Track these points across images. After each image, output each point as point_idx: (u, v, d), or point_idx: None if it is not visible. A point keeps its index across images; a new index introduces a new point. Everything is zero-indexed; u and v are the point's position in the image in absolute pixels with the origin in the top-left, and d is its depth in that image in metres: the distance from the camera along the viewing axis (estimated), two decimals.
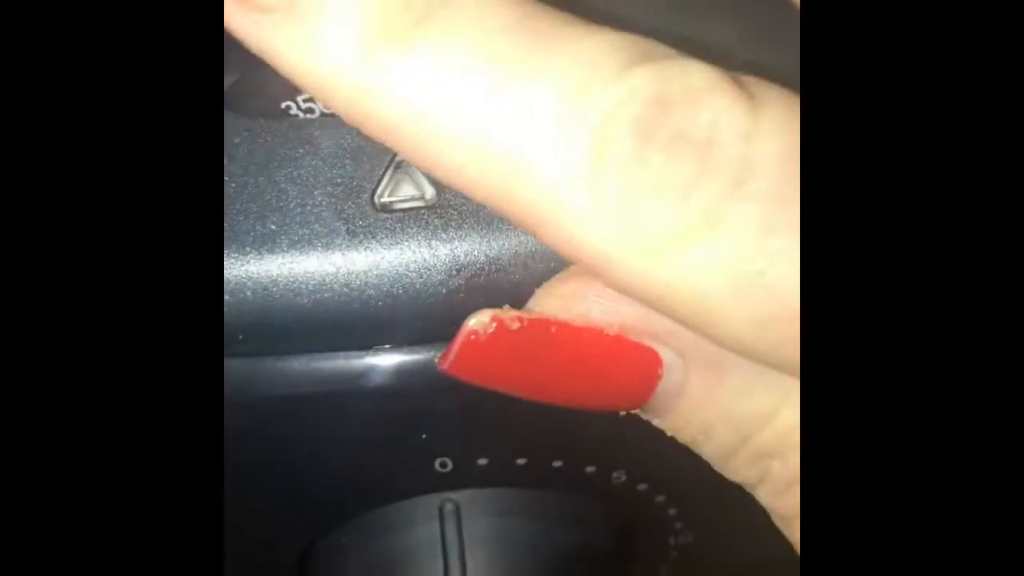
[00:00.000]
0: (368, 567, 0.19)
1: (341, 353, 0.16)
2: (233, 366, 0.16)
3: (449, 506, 0.19)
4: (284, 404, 0.17)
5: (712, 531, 0.22)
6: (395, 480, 0.19)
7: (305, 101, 0.16)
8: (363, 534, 0.19)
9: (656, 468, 0.20)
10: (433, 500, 0.19)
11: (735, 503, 0.22)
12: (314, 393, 0.17)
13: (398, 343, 0.16)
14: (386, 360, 0.16)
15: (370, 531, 0.19)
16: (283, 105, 0.16)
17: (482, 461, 0.18)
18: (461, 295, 0.16)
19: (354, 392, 0.17)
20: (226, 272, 0.15)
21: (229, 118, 0.16)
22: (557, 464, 0.19)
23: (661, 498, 0.20)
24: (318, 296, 0.16)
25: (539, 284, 0.16)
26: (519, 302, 0.16)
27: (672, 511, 0.21)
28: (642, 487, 0.20)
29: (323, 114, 0.16)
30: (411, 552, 0.19)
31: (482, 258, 0.16)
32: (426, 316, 0.16)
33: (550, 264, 0.16)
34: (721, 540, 0.23)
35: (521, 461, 0.18)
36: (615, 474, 0.19)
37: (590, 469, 0.19)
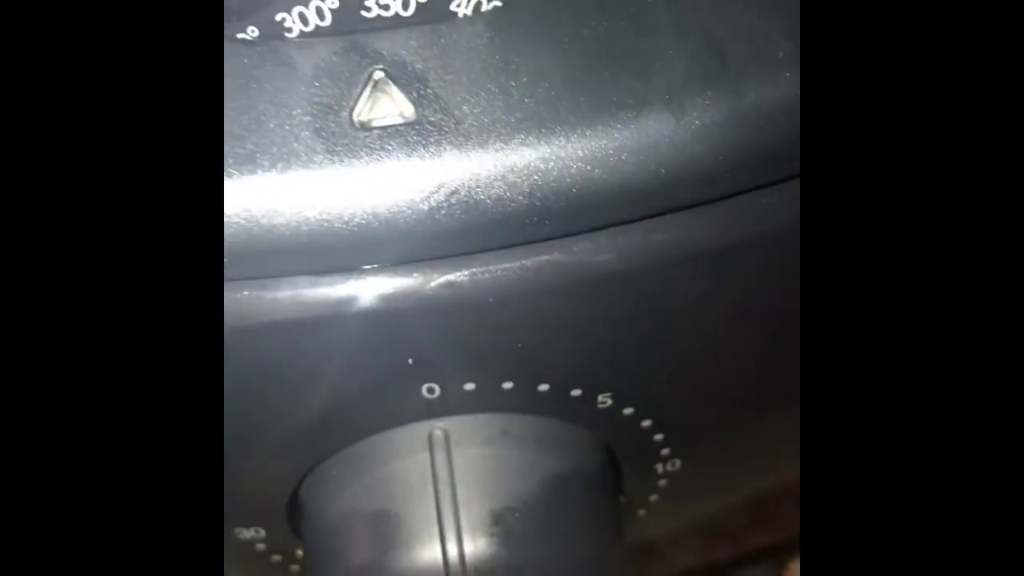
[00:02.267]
0: (359, 498, 0.19)
1: (324, 276, 0.16)
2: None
3: (438, 433, 0.19)
4: (267, 331, 0.17)
5: (700, 458, 0.22)
6: (383, 408, 0.19)
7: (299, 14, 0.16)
8: (353, 465, 0.19)
9: (642, 392, 0.20)
10: (422, 428, 0.19)
11: (722, 429, 0.22)
12: (297, 318, 0.17)
13: (381, 263, 0.16)
14: (370, 281, 0.16)
15: (360, 462, 0.19)
16: (277, 18, 0.16)
17: (469, 386, 0.18)
18: (442, 212, 0.16)
19: (339, 316, 0.17)
20: None
21: None
22: (543, 388, 0.19)
23: (647, 423, 0.20)
24: (299, 217, 0.16)
25: (520, 200, 0.16)
26: (499, 219, 0.16)
27: (659, 436, 0.21)
28: (628, 411, 0.20)
29: (301, 33, 0.16)
30: (402, 481, 0.19)
31: (463, 174, 0.16)
32: (409, 235, 0.16)
33: (532, 178, 0.16)
34: (709, 468, 0.23)
35: (507, 385, 0.18)
36: (600, 397, 0.19)
37: (575, 392, 0.19)
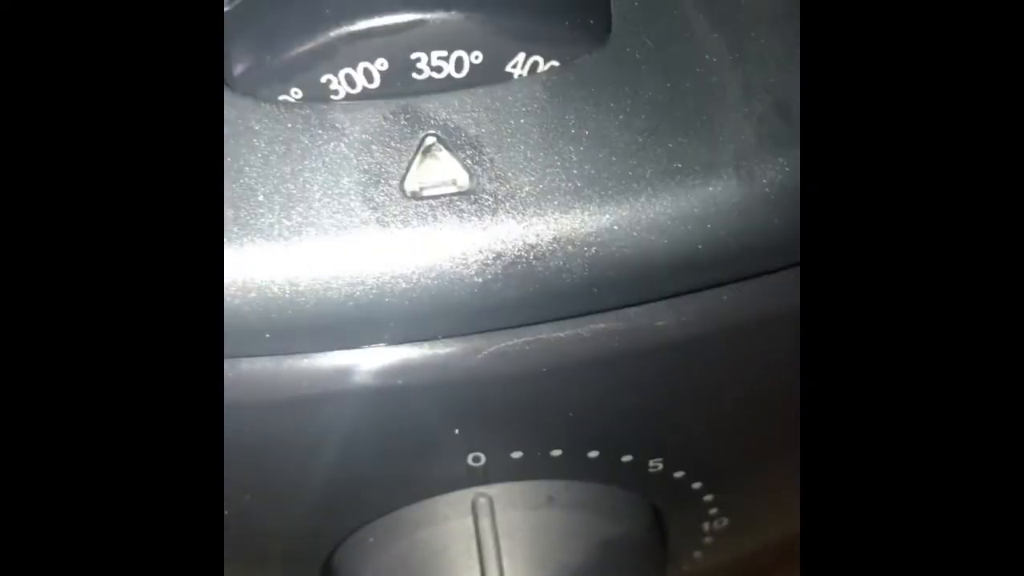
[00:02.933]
0: (400, 566, 0.18)
1: (375, 348, 0.16)
2: (262, 365, 0.15)
3: (482, 500, 0.18)
4: (318, 402, 0.16)
5: (746, 515, 0.22)
6: (427, 476, 0.18)
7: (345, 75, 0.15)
8: (393, 532, 0.19)
9: (694, 456, 0.19)
10: (466, 495, 0.18)
11: (766, 489, 0.22)
12: (347, 390, 0.16)
13: (432, 336, 0.15)
14: (421, 354, 0.16)
15: (401, 528, 0.18)
16: (323, 80, 0.15)
17: (516, 455, 0.18)
18: (498, 284, 0.15)
19: (389, 388, 0.16)
20: (252, 269, 0.15)
21: (248, 103, 0.15)
22: (593, 455, 0.18)
23: (698, 485, 0.20)
24: (348, 289, 0.15)
25: (580, 272, 0.15)
26: (556, 291, 0.15)
27: (708, 497, 0.20)
28: (679, 474, 0.19)
29: (348, 95, 0.15)
30: (445, 548, 0.18)
31: (519, 245, 0.15)
32: (462, 307, 0.15)
33: (592, 249, 0.15)
34: (754, 523, 0.22)
35: (556, 453, 0.18)
36: (652, 462, 0.19)
37: (627, 458, 0.18)
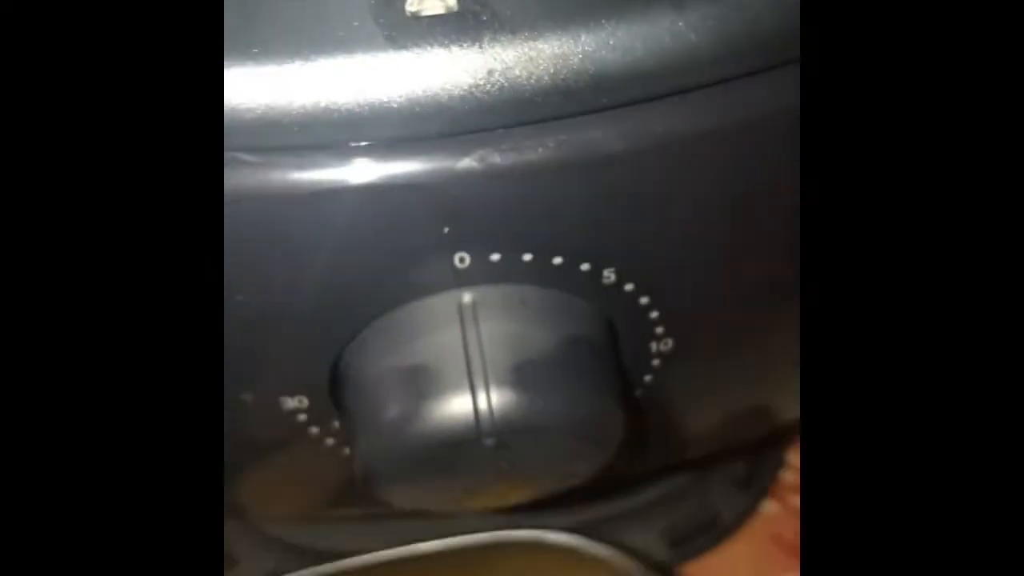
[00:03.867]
0: (396, 358, 0.22)
1: (375, 149, 0.19)
2: (270, 165, 0.19)
3: (467, 299, 0.22)
4: (318, 199, 0.20)
5: (691, 343, 0.25)
6: (421, 277, 0.21)
7: None
8: (391, 331, 0.22)
9: (643, 270, 0.23)
10: (453, 296, 0.22)
11: (714, 317, 0.25)
12: (352, 187, 0.19)
13: (427, 136, 0.19)
14: (416, 154, 0.19)
15: (398, 327, 0.22)
16: None
17: (494, 257, 0.21)
18: (481, 89, 0.19)
19: (389, 186, 0.19)
20: (267, 78, 0.18)
21: None
22: (557, 261, 0.22)
23: (645, 300, 0.23)
24: (359, 96, 0.19)
25: (545, 80, 0.19)
26: (527, 97, 0.19)
27: (654, 314, 0.24)
28: (628, 287, 0.23)
29: None
30: (435, 341, 0.22)
31: (499, 57, 0.19)
32: (452, 109, 0.19)
33: (556, 61, 0.19)
34: (699, 355, 0.26)
35: (527, 257, 0.21)
36: (605, 272, 0.22)
37: (584, 267, 0.22)
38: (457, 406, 0.21)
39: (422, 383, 0.22)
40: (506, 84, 0.19)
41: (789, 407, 0.32)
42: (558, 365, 0.22)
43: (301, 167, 0.19)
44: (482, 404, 0.21)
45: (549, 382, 0.22)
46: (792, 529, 0.57)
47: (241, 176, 0.19)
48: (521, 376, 0.21)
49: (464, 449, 0.22)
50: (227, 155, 0.19)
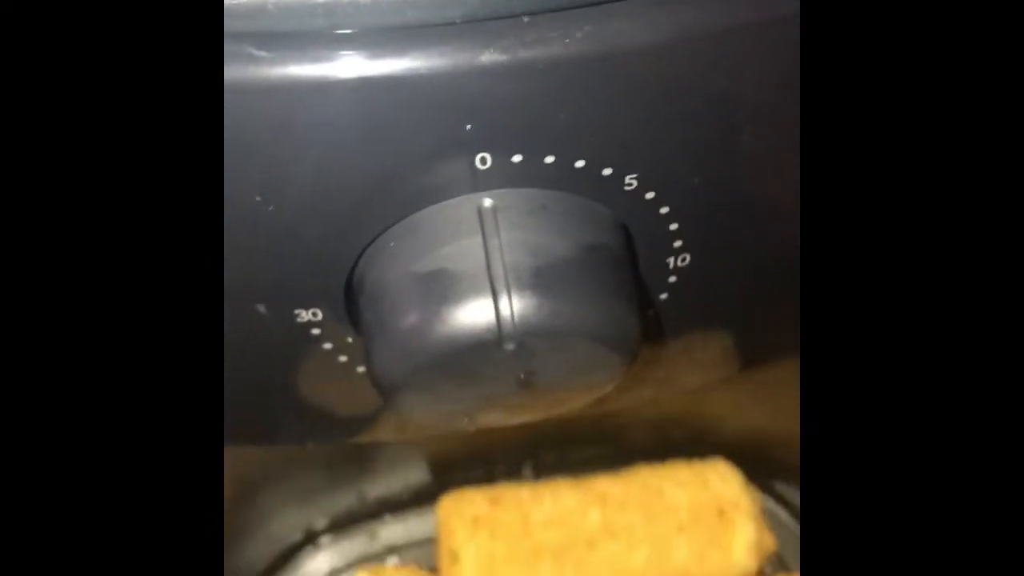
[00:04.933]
0: (416, 262, 0.22)
1: (393, 35, 0.19)
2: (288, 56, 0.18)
3: (487, 202, 0.22)
4: (335, 91, 0.19)
5: (708, 260, 0.25)
6: (441, 178, 0.21)
7: None
8: (410, 235, 0.22)
9: (664, 178, 0.22)
10: (473, 199, 0.22)
11: (733, 234, 0.25)
12: (366, 78, 0.19)
13: (453, 20, 0.19)
14: (434, 42, 0.19)
15: (417, 232, 0.22)
16: None
17: (516, 158, 0.21)
18: None
19: (408, 78, 0.19)
20: None
21: None
22: (579, 164, 0.21)
23: (665, 209, 0.23)
24: None
25: None
26: None
27: (674, 226, 0.24)
28: (649, 195, 0.23)
29: None
30: (455, 244, 0.22)
31: None
32: None
33: None
34: (715, 274, 0.26)
35: (549, 160, 0.21)
36: (627, 179, 0.22)
37: (607, 171, 0.22)
38: (479, 310, 0.21)
39: (442, 288, 0.21)
40: None
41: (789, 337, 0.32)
42: (578, 270, 0.22)
43: (317, 58, 0.19)
44: (504, 308, 0.21)
45: (569, 287, 0.21)
46: None
47: (253, 70, 0.19)
48: (542, 280, 0.21)
49: (485, 354, 0.21)
50: (237, 48, 0.19)
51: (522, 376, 0.23)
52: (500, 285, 0.21)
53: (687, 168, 0.23)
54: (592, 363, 0.22)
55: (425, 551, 0.44)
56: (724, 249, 0.25)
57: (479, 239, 0.21)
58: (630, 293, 0.23)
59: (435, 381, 0.22)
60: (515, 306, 0.21)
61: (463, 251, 0.22)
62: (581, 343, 0.22)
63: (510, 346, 0.21)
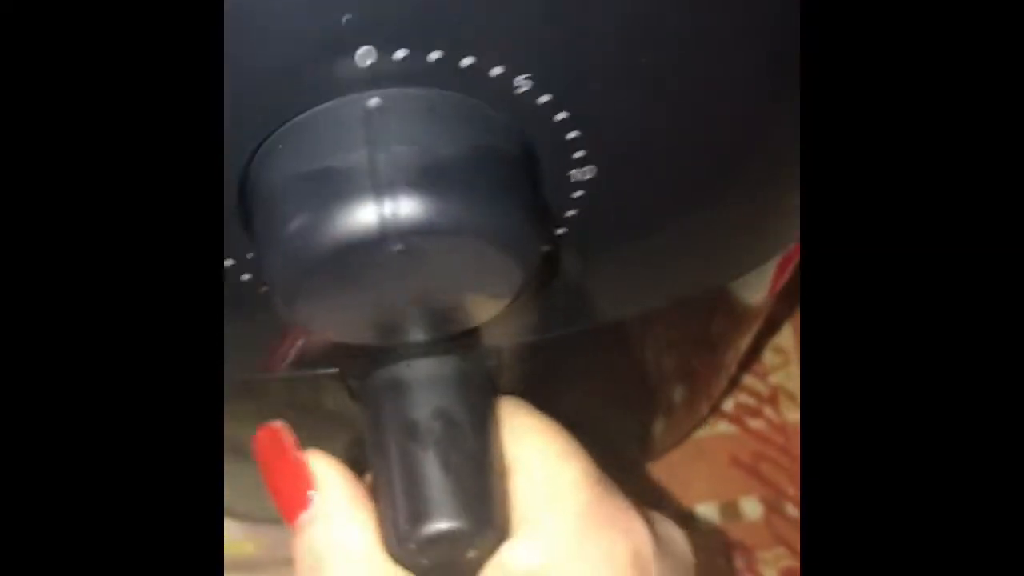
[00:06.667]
0: (301, 162, 0.21)
1: None
2: None
3: (373, 101, 0.21)
4: None
5: (613, 174, 0.25)
6: (322, 78, 0.21)
7: None
8: (295, 137, 0.22)
9: (560, 80, 0.22)
10: (358, 98, 0.21)
11: (638, 147, 0.25)
12: None
13: None
14: None
15: (302, 133, 0.22)
16: None
17: (400, 53, 0.21)
18: None
19: None
20: None
21: None
22: (466, 62, 0.21)
23: (563, 116, 0.23)
24: None
25: None
26: None
27: (573, 134, 0.23)
28: (544, 99, 0.22)
29: None
30: (340, 143, 0.21)
31: None
32: None
33: None
34: (623, 191, 0.26)
35: (434, 55, 0.21)
36: (518, 79, 0.22)
37: (497, 70, 0.21)
38: (362, 209, 0.21)
39: (327, 189, 0.21)
40: None
41: (719, 266, 0.31)
42: (467, 171, 0.21)
43: None
44: (387, 207, 0.21)
45: (456, 186, 0.21)
46: (748, 451, 0.58)
47: None
48: (427, 179, 0.21)
49: (370, 255, 0.21)
50: None
51: (414, 282, 0.22)
52: (383, 183, 0.21)
53: (585, 68, 0.22)
54: (482, 265, 0.22)
55: None
56: (635, 162, 0.25)
57: (364, 139, 0.21)
58: (523, 197, 0.23)
59: (324, 286, 0.22)
60: (399, 204, 0.21)
61: (349, 152, 0.21)
62: (470, 243, 0.21)
63: (396, 246, 0.21)
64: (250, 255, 0.24)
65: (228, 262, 0.25)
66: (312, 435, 0.28)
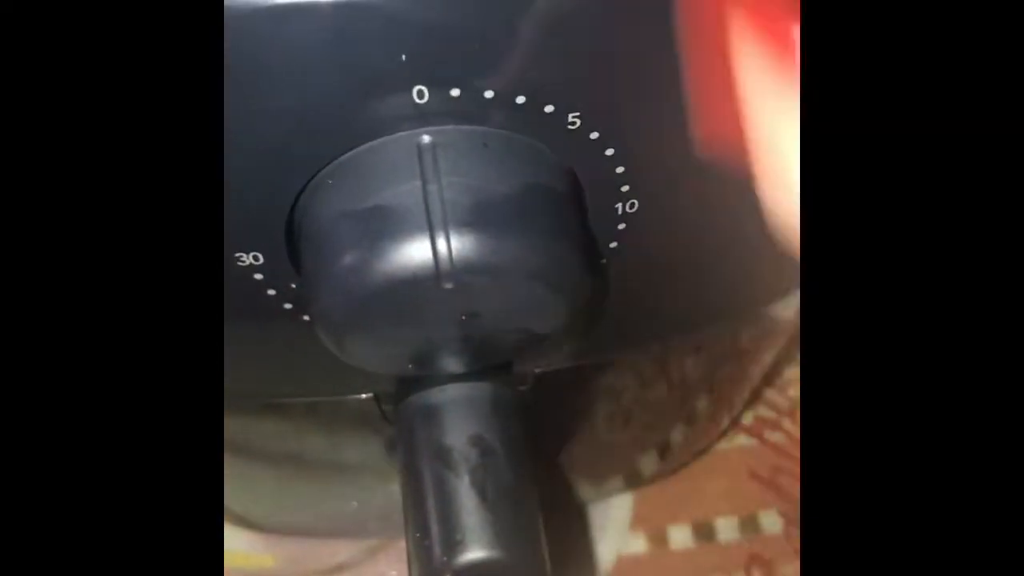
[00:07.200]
0: (352, 200, 0.21)
1: None
2: None
3: (426, 139, 0.21)
4: (265, 19, 0.19)
5: (657, 203, 0.25)
6: (376, 113, 0.21)
7: None
8: (346, 173, 0.22)
9: (609, 118, 0.22)
10: (411, 136, 0.21)
11: (681, 184, 0.25)
12: (300, 4, 0.19)
13: None
14: None
15: (354, 169, 0.21)
16: None
17: (454, 92, 0.21)
18: None
19: (341, 5, 0.19)
20: None
21: None
22: (520, 100, 0.21)
23: (611, 151, 0.23)
24: None
25: None
26: None
27: (620, 169, 0.23)
28: (593, 135, 0.22)
29: None
30: (393, 181, 0.21)
31: None
32: None
33: None
34: (665, 217, 0.26)
35: (488, 94, 0.21)
36: (570, 117, 0.22)
37: (548, 108, 0.21)
38: (416, 247, 0.21)
39: (379, 226, 0.21)
40: None
41: (756, 291, 0.31)
42: (519, 209, 0.21)
43: None
44: (441, 245, 0.21)
45: (509, 224, 0.21)
46: (767, 464, 0.57)
47: None
48: (480, 217, 0.21)
49: (423, 293, 0.21)
50: None
51: (463, 318, 0.22)
52: (437, 222, 0.21)
53: (631, 108, 0.22)
54: (534, 304, 0.22)
55: None
56: (674, 196, 0.25)
57: (417, 176, 0.21)
58: (575, 235, 0.23)
59: (376, 321, 0.22)
60: (452, 243, 0.21)
61: (401, 189, 0.21)
62: (520, 282, 0.21)
63: (448, 284, 0.21)
64: (293, 285, 0.24)
65: (270, 291, 0.25)
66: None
